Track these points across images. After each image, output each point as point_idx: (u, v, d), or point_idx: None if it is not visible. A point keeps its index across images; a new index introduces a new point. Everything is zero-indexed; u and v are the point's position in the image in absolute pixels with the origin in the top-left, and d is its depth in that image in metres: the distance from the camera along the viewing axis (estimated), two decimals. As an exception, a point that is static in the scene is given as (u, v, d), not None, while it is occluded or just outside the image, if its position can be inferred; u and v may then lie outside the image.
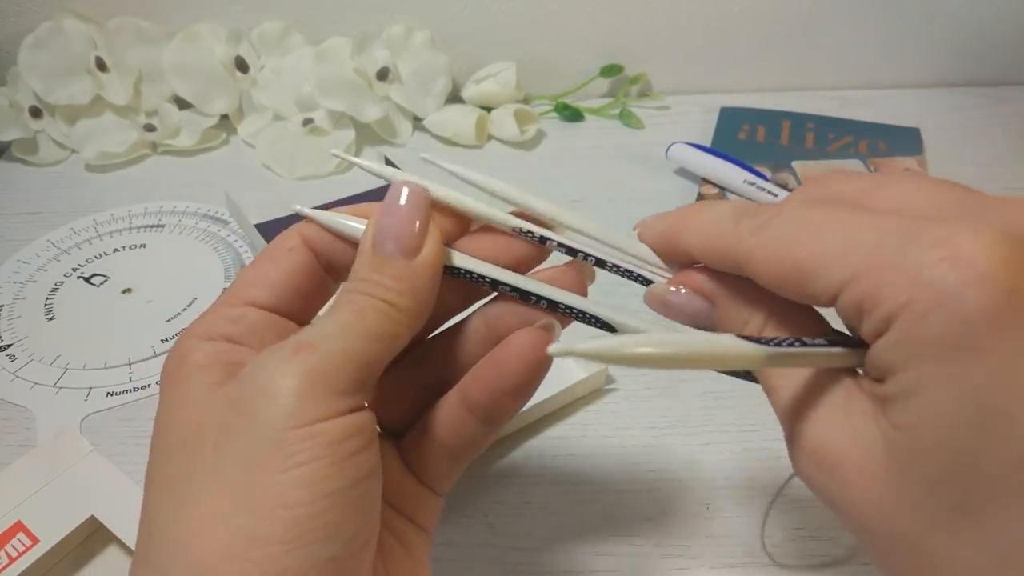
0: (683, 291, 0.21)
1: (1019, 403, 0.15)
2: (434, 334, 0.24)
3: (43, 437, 0.37)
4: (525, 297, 0.22)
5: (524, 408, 0.34)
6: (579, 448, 0.36)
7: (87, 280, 0.47)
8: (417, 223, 0.20)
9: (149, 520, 0.19)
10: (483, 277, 0.22)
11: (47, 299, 0.46)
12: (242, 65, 0.59)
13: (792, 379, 0.19)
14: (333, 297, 0.22)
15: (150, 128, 0.59)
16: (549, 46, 0.63)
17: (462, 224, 0.23)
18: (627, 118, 0.62)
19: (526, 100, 0.64)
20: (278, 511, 0.17)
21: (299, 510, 0.18)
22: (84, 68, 0.58)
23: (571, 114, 0.62)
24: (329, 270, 0.23)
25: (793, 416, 0.18)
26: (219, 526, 0.18)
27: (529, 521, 0.33)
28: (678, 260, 0.22)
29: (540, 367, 0.22)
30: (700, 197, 0.52)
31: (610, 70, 0.63)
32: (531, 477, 0.35)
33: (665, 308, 0.21)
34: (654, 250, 0.22)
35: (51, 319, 0.44)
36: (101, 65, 0.57)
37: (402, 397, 0.24)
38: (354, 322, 0.19)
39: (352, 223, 0.22)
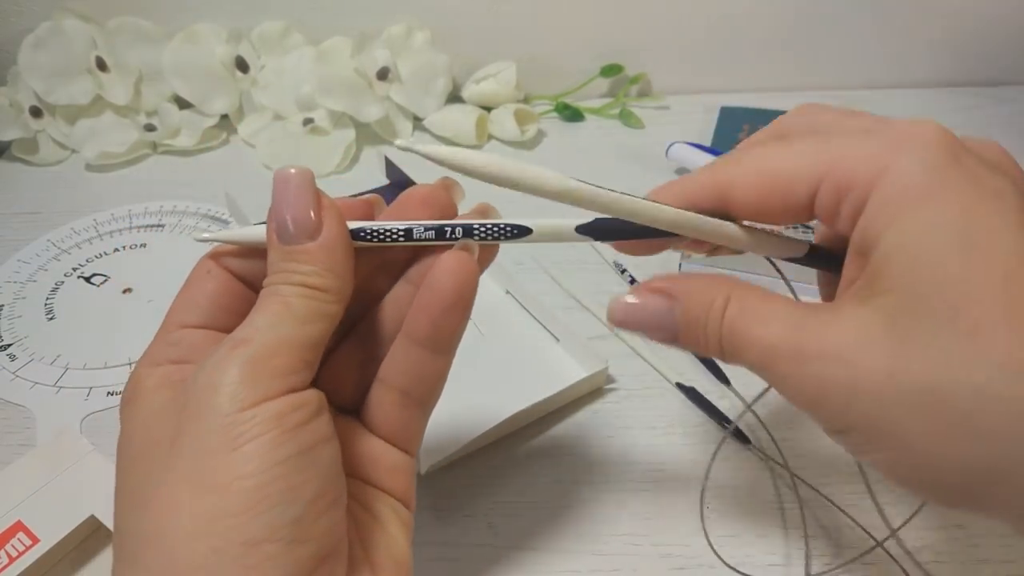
0: (641, 295, 0.22)
1: (987, 228, 0.18)
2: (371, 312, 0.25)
3: (43, 437, 0.37)
4: (440, 234, 0.22)
5: (525, 407, 0.35)
6: (579, 448, 0.36)
7: (87, 280, 0.47)
8: (310, 204, 0.21)
9: (120, 527, 0.20)
10: (396, 232, 0.22)
11: (47, 299, 0.46)
12: (242, 65, 0.59)
13: (782, 321, 0.20)
14: None
15: (150, 128, 0.59)
16: (549, 46, 0.63)
17: (367, 210, 0.24)
18: (627, 118, 0.62)
19: (526, 100, 0.64)
20: (234, 484, 0.18)
21: (255, 479, 0.18)
22: (84, 68, 0.58)
23: (571, 114, 0.63)
24: (248, 283, 0.23)
25: (792, 346, 0.20)
26: (182, 511, 0.18)
27: (529, 521, 0.33)
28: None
29: (470, 277, 0.22)
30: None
31: (610, 70, 0.63)
32: (531, 477, 0.35)
33: (626, 315, 0.23)
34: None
35: (51, 319, 0.44)
36: (101, 65, 0.57)
37: (353, 375, 0.24)
38: (281, 311, 0.20)
39: (251, 230, 0.22)
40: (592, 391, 0.38)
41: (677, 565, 0.31)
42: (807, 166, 0.20)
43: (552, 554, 0.32)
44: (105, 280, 0.47)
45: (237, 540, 0.18)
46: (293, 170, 0.21)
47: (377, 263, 0.24)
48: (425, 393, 0.24)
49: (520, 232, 0.23)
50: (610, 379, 0.39)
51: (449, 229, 0.23)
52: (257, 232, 0.22)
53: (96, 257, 0.49)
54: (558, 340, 0.40)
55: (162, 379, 0.21)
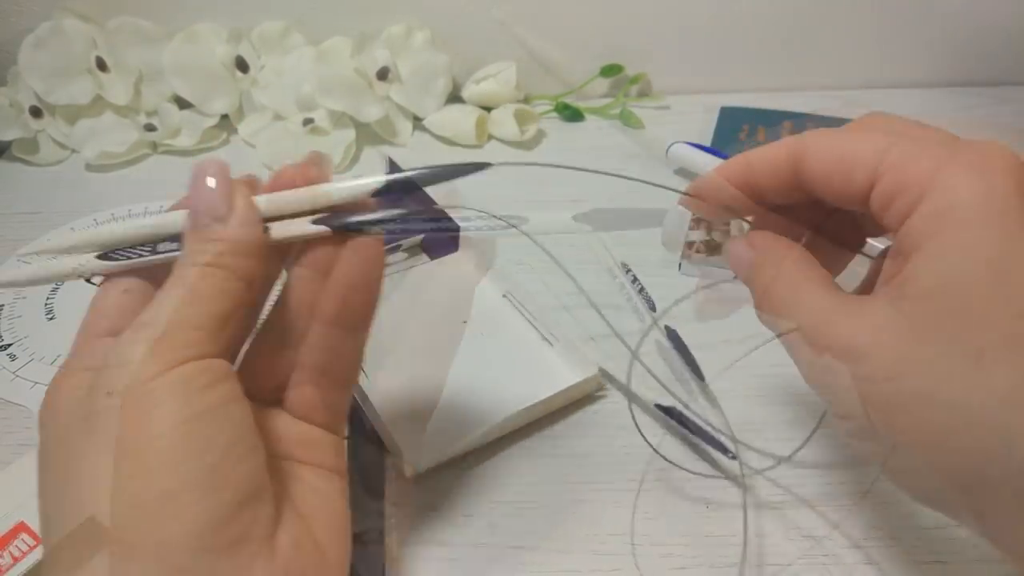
0: (738, 243, 0.27)
1: (1020, 265, 0.19)
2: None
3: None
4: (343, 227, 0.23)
5: (514, 411, 0.35)
6: (579, 448, 0.36)
7: (87, 280, 0.47)
8: (223, 192, 0.23)
9: (45, 511, 0.21)
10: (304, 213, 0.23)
11: (47, 299, 0.46)
12: (242, 65, 0.59)
13: (810, 305, 0.22)
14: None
15: (150, 128, 0.59)
16: (549, 46, 0.63)
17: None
18: (627, 118, 0.62)
19: (526, 100, 0.64)
20: (147, 444, 0.20)
21: (166, 438, 0.20)
22: (84, 68, 0.58)
23: (571, 114, 0.63)
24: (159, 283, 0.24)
25: (812, 331, 0.22)
26: (101, 477, 0.20)
27: (529, 521, 0.33)
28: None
29: (377, 259, 0.24)
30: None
31: (610, 70, 0.63)
32: (531, 477, 0.35)
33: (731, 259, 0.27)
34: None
35: (51, 319, 0.44)
36: (101, 65, 0.57)
37: (269, 366, 0.25)
38: (182, 291, 0.22)
39: (71, 237, 0.25)
40: (584, 396, 0.38)
41: (677, 565, 0.31)
42: (872, 155, 0.21)
43: (552, 554, 0.32)
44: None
45: (154, 493, 0.19)
46: (209, 161, 0.23)
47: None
48: (342, 372, 0.25)
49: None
50: (601, 386, 0.39)
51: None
52: (78, 237, 0.24)
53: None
54: (552, 344, 0.40)
55: (78, 381, 0.22)
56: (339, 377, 0.25)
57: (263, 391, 0.25)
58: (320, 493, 0.24)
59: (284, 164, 0.24)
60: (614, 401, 0.38)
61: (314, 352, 0.24)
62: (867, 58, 0.65)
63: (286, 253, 0.25)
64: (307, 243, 0.24)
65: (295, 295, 0.24)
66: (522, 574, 0.31)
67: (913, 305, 0.20)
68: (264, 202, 0.23)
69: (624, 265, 0.45)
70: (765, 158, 0.25)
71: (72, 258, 0.25)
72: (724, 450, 0.35)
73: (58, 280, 0.25)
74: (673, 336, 0.40)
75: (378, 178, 0.23)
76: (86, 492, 0.20)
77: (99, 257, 0.25)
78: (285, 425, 0.25)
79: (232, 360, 0.23)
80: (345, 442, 0.26)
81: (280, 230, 0.23)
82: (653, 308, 0.42)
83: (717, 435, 0.35)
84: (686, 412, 0.36)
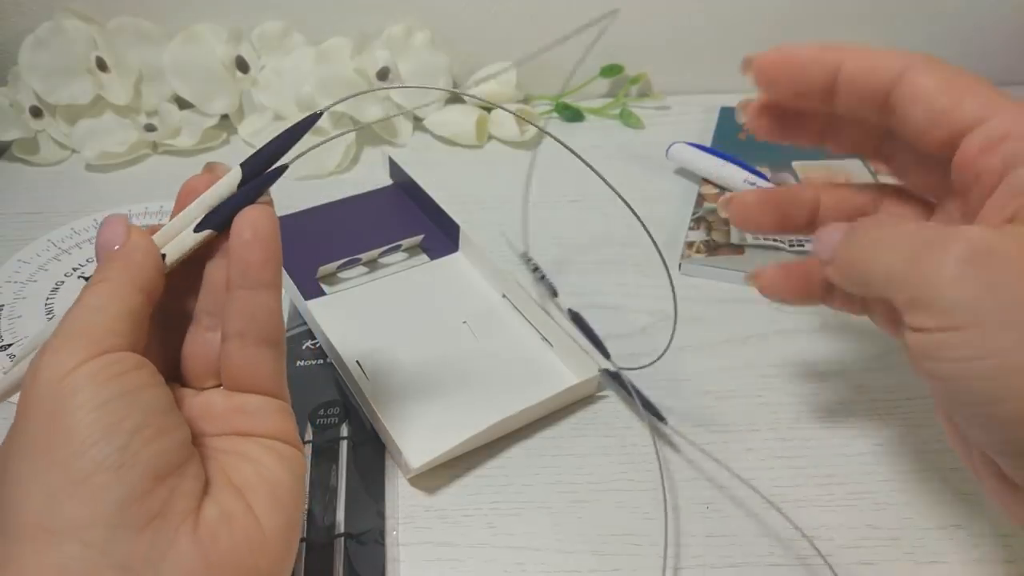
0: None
1: None
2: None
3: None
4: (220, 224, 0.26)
5: (512, 413, 0.35)
6: (579, 448, 0.36)
7: (88, 280, 0.47)
8: (120, 227, 0.25)
9: None
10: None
11: (48, 299, 0.46)
12: (242, 65, 0.59)
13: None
14: None
15: (151, 128, 0.59)
16: (549, 46, 0.63)
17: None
18: (627, 118, 0.62)
19: (526, 100, 0.64)
20: (62, 435, 0.21)
21: (80, 425, 0.21)
22: (85, 68, 0.58)
23: (571, 114, 0.63)
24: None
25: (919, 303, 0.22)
26: (22, 474, 0.21)
27: (529, 521, 0.33)
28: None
29: (264, 216, 0.26)
30: (700, 197, 0.52)
31: (610, 70, 0.63)
32: (531, 477, 0.35)
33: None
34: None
35: (52, 319, 0.44)
36: (102, 65, 0.57)
37: (206, 354, 0.27)
38: (82, 306, 0.24)
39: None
40: (587, 396, 0.38)
41: (677, 565, 0.31)
42: (974, 102, 0.23)
43: (552, 554, 0.32)
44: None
45: (68, 480, 0.21)
46: (111, 216, 0.26)
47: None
48: (262, 331, 0.25)
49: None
50: (601, 386, 0.39)
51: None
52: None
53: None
54: (552, 345, 0.40)
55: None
56: (260, 336, 0.25)
57: (206, 380, 0.26)
58: (258, 464, 0.25)
59: (185, 183, 0.27)
60: (614, 401, 0.38)
61: (231, 319, 0.25)
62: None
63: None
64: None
65: (211, 285, 0.26)
66: (522, 574, 0.31)
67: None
68: (158, 237, 0.26)
69: (525, 255, 0.45)
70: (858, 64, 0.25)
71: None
72: (660, 417, 0.36)
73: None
74: (576, 318, 0.41)
75: (234, 171, 0.26)
76: (9, 491, 0.21)
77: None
78: (222, 400, 0.26)
79: (142, 354, 0.24)
80: (289, 406, 0.27)
81: (173, 250, 0.26)
82: (555, 294, 0.44)
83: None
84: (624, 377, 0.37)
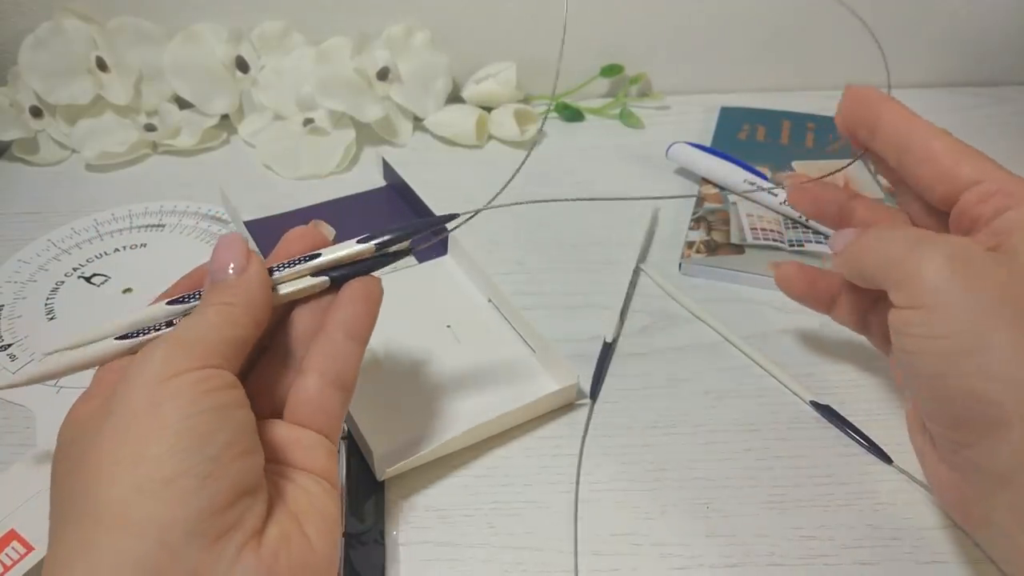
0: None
1: None
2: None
3: (43, 437, 0.37)
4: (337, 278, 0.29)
5: (488, 419, 0.35)
6: (578, 447, 0.36)
7: (88, 280, 0.47)
8: (240, 252, 0.27)
9: (54, 496, 0.24)
10: (303, 259, 0.29)
11: (47, 299, 0.46)
12: (242, 65, 0.59)
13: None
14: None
15: (150, 128, 0.59)
16: (549, 46, 0.63)
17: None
18: (627, 118, 0.62)
19: (526, 100, 0.64)
20: (154, 434, 0.22)
21: (172, 428, 0.22)
22: (85, 68, 0.58)
23: (571, 114, 0.63)
24: None
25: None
26: (107, 462, 0.22)
27: (529, 521, 0.33)
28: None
29: (376, 281, 0.29)
30: (700, 197, 0.52)
31: (610, 70, 0.63)
32: (530, 477, 0.35)
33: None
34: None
35: (51, 319, 0.44)
36: (102, 65, 0.57)
37: (274, 387, 0.28)
38: (200, 319, 0.26)
39: (95, 348, 0.29)
40: (566, 404, 0.38)
41: (677, 565, 0.31)
42: (973, 169, 0.28)
43: (552, 554, 0.32)
44: (105, 280, 0.47)
45: (156, 478, 0.21)
46: (230, 235, 0.28)
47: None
48: (342, 376, 0.28)
49: (308, 259, 0.29)
50: (582, 394, 0.39)
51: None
52: (99, 349, 0.28)
53: (96, 257, 0.49)
54: (534, 351, 0.40)
55: (95, 404, 0.26)
56: (339, 379, 0.27)
57: (265, 410, 0.28)
58: (310, 494, 0.26)
59: (292, 230, 0.30)
60: (615, 401, 0.38)
61: (317, 357, 0.27)
62: (867, 58, 0.65)
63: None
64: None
65: (298, 327, 0.29)
66: (522, 574, 0.31)
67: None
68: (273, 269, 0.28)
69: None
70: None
71: (96, 346, 0.29)
72: (884, 456, 0.35)
73: (85, 368, 0.29)
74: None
75: (367, 246, 0.29)
76: (92, 476, 0.22)
77: (118, 338, 0.28)
78: (282, 432, 0.27)
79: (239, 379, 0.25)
80: (336, 449, 0.28)
81: (287, 288, 0.28)
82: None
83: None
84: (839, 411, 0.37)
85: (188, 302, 0.28)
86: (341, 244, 0.29)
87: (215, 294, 0.26)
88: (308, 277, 0.28)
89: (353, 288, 0.28)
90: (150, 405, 0.22)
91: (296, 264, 0.28)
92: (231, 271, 0.27)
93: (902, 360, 0.27)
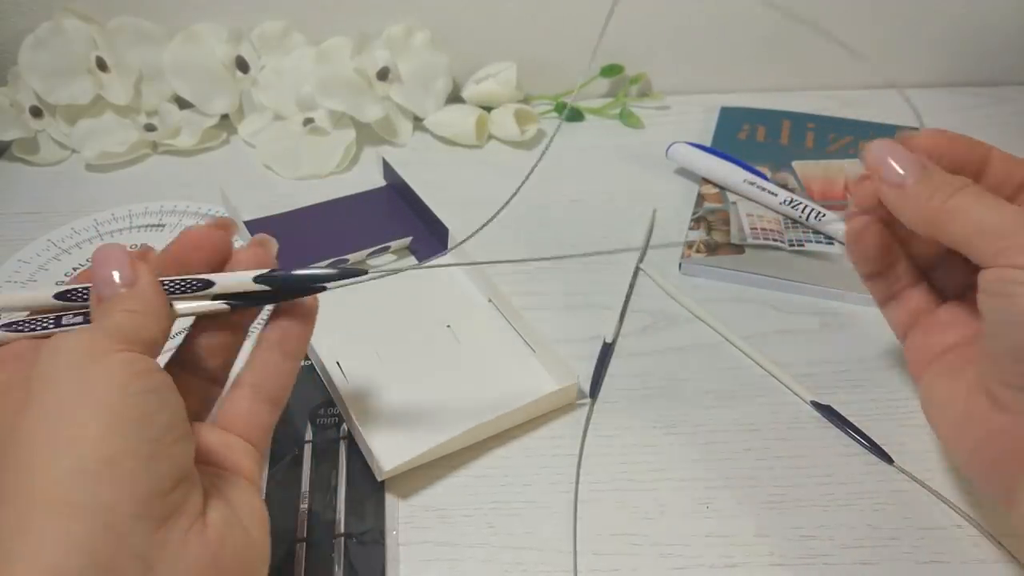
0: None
1: None
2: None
3: None
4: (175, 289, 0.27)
5: (487, 419, 0.35)
6: (578, 447, 0.36)
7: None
8: (124, 265, 0.25)
9: None
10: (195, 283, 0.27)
11: (47, 299, 0.46)
12: (242, 65, 0.59)
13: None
14: None
15: (150, 128, 0.59)
16: (549, 46, 0.63)
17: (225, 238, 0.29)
18: (627, 118, 0.62)
19: (526, 100, 0.64)
20: (91, 413, 0.21)
21: (110, 408, 0.21)
22: (85, 68, 0.58)
23: (571, 114, 0.63)
24: None
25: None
26: (41, 443, 0.21)
27: (529, 521, 0.33)
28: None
29: (312, 303, 0.28)
30: (700, 197, 0.52)
31: (610, 70, 0.63)
32: (530, 477, 0.35)
33: (884, 149, 0.29)
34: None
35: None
36: (102, 65, 0.57)
37: (196, 392, 0.28)
38: (109, 319, 0.24)
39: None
40: (567, 404, 0.38)
41: (677, 565, 0.31)
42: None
43: (552, 554, 0.32)
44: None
45: (97, 458, 0.20)
46: (105, 247, 0.26)
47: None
48: (274, 391, 0.28)
49: (203, 285, 0.27)
50: (582, 394, 0.39)
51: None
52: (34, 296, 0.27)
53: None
54: (534, 351, 0.40)
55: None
56: (271, 394, 0.28)
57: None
58: (241, 490, 0.26)
59: (187, 228, 0.29)
60: (615, 400, 0.38)
61: (254, 372, 0.28)
62: (867, 58, 0.65)
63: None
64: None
65: (201, 339, 0.28)
66: (522, 574, 0.31)
67: None
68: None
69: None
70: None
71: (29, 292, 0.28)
72: (885, 456, 0.35)
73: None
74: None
75: (255, 272, 0.27)
76: (21, 458, 0.21)
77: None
78: (213, 435, 0.27)
79: None
80: (262, 457, 0.28)
81: (183, 305, 0.27)
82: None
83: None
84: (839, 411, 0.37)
85: (75, 300, 0.27)
86: (237, 274, 0.28)
87: (115, 303, 0.25)
88: (208, 300, 0.27)
89: (299, 306, 0.28)
90: (81, 384, 0.21)
91: (190, 289, 0.27)
92: (118, 281, 0.25)
93: (998, 318, 0.26)
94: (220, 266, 0.28)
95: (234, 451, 0.27)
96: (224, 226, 0.29)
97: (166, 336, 0.25)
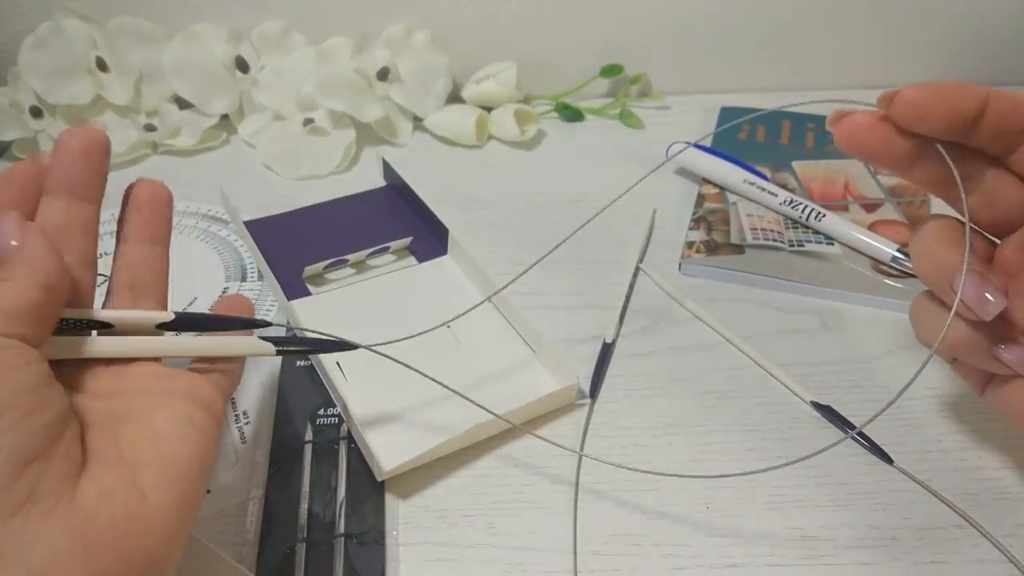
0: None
1: None
2: None
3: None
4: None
5: (486, 420, 0.34)
6: (578, 447, 0.36)
7: None
8: (13, 227, 0.24)
9: None
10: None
11: (47, 299, 0.46)
12: (242, 65, 0.59)
13: None
14: None
15: (150, 128, 0.59)
16: (549, 46, 0.63)
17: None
18: (627, 118, 0.62)
19: (526, 100, 0.64)
20: None
21: None
22: (85, 68, 0.58)
23: (571, 114, 0.63)
24: None
25: None
26: None
27: (529, 521, 0.33)
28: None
29: (159, 184, 0.30)
30: (700, 197, 0.52)
31: (610, 70, 0.63)
32: (530, 477, 0.35)
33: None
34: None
35: None
36: (102, 65, 0.57)
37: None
38: None
39: None
40: (567, 404, 0.38)
41: (677, 565, 0.31)
42: None
43: (552, 554, 0.32)
44: (105, 280, 0.47)
45: None
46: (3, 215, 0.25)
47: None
48: (151, 284, 0.28)
49: (101, 326, 0.27)
50: (581, 394, 0.39)
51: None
52: None
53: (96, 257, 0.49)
54: (535, 351, 0.40)
55: None
56: (149, 290, 0.28)
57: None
58: (159, 438, 0.24)
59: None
60: (615, 401, 0.38)
61: (122, 270, 0.28)
62: (867, 58, 0.65)
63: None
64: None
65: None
66: (522, 574, 0.31)
67: None
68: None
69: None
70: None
71: None
72: (885, 456, 0.35)
73: None
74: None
75: (166, 314, 0.28)
76: None
77: None
78: (155, 368, 0.26)
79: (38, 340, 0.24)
80: (223, 377, 0.28)
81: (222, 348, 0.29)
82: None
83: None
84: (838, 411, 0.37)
85: None
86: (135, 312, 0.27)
87: None
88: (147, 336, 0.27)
89: (136, 194, 0.29)
90: None
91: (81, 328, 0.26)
92: (12, 246, 0.24)
93: None
94: (32, 202, 0.27)
95: (152, 376, 0.26)
96: (35, 159, 0.27)
97: (60, 292, 0.24)
